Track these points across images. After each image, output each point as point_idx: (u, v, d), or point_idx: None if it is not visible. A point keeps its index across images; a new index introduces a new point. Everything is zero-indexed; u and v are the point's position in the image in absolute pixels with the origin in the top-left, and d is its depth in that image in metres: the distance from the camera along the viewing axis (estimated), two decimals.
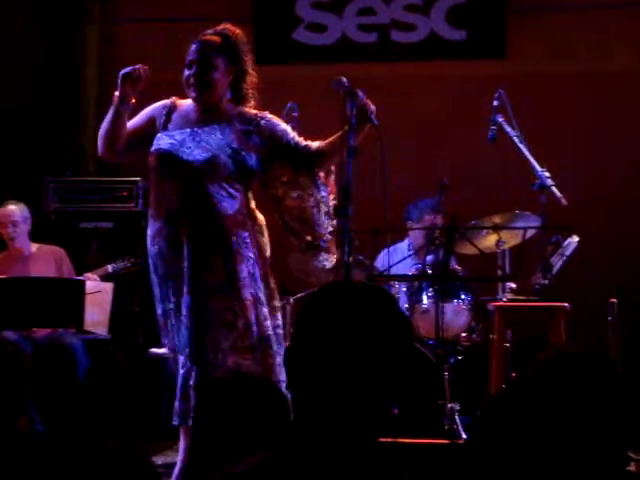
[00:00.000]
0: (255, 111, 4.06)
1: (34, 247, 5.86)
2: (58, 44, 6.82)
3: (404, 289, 5.42)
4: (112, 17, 7.01)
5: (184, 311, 3.92)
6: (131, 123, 4.08)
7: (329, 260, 4.19)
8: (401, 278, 5.41)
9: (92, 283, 5.52)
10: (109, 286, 5.62)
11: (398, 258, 5.81)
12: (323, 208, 4.12)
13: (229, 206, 3.95)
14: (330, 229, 4.13)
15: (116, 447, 1.64)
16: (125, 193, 6.43)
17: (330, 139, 4.10)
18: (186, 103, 4.08)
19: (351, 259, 3.67)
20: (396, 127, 6.60)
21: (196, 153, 3.94)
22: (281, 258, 5.63)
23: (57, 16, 6.79)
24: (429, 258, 5.29)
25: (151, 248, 4.02)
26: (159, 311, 4.04)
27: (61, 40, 6.85)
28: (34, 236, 5.90)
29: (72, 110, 6.97)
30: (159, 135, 4.02)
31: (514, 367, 5.06)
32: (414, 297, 5.38)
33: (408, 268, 5.50)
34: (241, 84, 4.04)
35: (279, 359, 3.94)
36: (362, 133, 4.01)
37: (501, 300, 4.90)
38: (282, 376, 3.92)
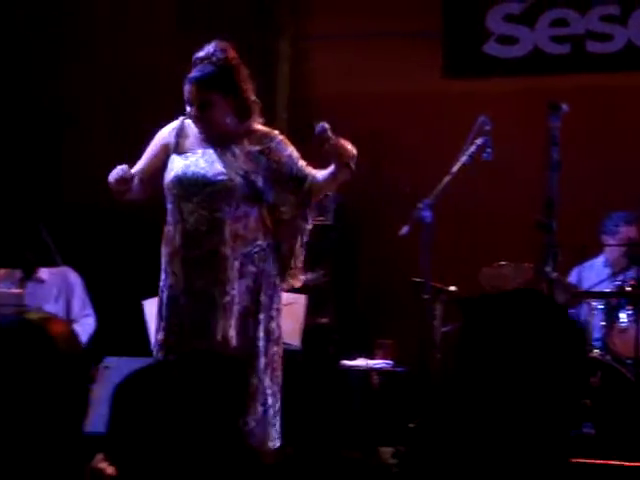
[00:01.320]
0: (266, 130, 4.05)
1: None
2: (252, 60, 6.99)
3: (600, 306, 5.27)
4: (304, 34, 7.13)
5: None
6: (146, 159, 4.14)
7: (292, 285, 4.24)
8: (603, 295, 5.27)
9: (286, 295, 5.62)
10: (303, 298, 5.71)
11: (592, 274, 5.67)
12: (303, 239, 4.10)
13: (242, 225, 3.98)
14: (301, 258, 4.13)
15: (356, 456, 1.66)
16: None
17: (324, 172, 4.02)
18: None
19: (555, 275, 3.59)
20: (591, 138, 6.45)
21: (210, 175, 3.99)
22: (472, 274, 5.59)
23: (251, 33, 6.97)
24: (629, 274, 5.12)
25: (167, 267, 4.06)
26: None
27: (254, 57, 7.02)
28: None
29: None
30: (172, 157, 4.08)
31: None
32: (611, 315, 5.23)
33: (605, 285, 5.35)
34: (243, 103, 4.02)
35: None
36: (341, 177, 3.96)
37: None
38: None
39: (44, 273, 5.62)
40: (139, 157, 4.20)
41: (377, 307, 6.43)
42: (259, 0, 7.07)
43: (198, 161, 4.04)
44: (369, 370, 5.73)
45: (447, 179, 4.96)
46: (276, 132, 4.07)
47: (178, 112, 4.14)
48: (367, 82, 6.90)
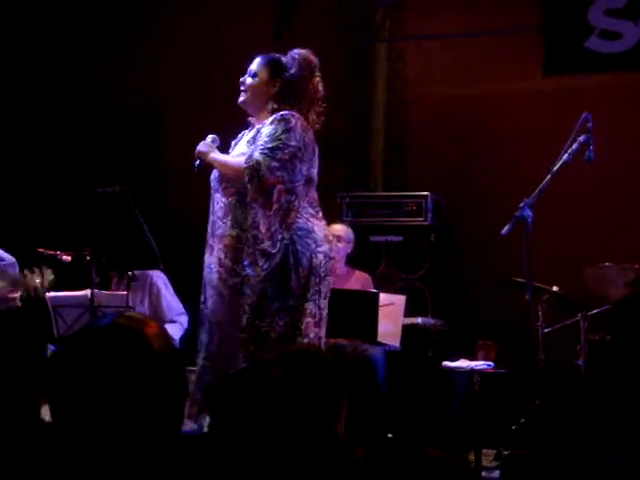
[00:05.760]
0: (278, 115, 4.04)
1: (345, 269, 5.97)
2: (350, 63, 7.01)
3: None
4: (400, 35, 7.11)
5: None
6: None
7: None
8: None
9: (385, 296, 5.61)
10: (401, 299, 5.69)
11: None
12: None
13: (252, 213, 3.99)
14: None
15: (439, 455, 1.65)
16: (414, 207, 6.50)
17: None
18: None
19: None
20: None
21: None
22: (575, 274, 5.49)
23: (351, 37, 6.99)
24: None
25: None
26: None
27: (353, 59, 7.04)
28: None
29: (362, 127, 7.12)
30: None
31: None
32: None
33: None
34: (289, 90, 4.08)
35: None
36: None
37: None
38: None
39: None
40: None
41: (478, 308, 6.36)
42: (355, 2, 7.07)
43: (234, 150, 4.16)
44: (471, 371, 5.67)
45: (548, 177, 4.87)
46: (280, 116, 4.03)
47: None
48: (465, 81, 6.84)
